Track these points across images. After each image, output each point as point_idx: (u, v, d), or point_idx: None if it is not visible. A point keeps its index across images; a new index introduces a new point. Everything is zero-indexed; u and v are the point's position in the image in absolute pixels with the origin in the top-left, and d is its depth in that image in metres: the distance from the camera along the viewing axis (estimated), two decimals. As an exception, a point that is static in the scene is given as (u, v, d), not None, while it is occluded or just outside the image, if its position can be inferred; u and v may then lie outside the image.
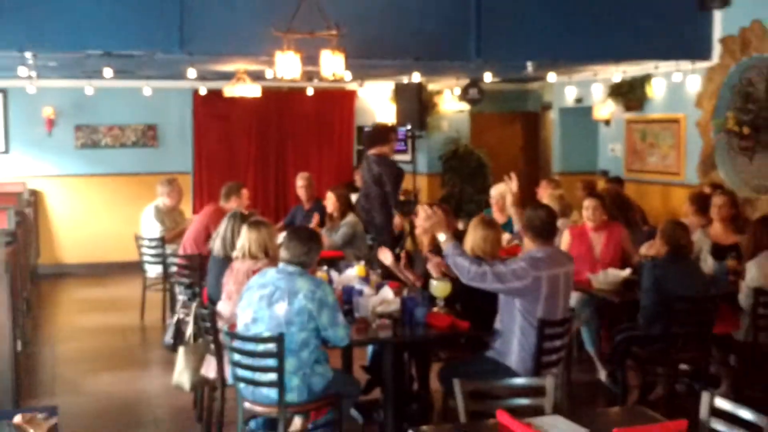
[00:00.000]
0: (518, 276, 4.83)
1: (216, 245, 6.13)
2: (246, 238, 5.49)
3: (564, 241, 6.93)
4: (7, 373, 5.74)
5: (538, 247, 5.04)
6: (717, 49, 9.06)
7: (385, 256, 6.13)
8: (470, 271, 4.83)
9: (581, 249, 6.77)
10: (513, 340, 4.96)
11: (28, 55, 7.83)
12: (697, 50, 9.13)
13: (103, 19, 7.46)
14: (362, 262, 6.52)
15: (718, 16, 9.03)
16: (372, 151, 8.77)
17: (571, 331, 5.45)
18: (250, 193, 11.14)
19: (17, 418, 3.04)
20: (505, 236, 7.10)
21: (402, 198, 11.54)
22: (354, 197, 9.29)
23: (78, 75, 10.84)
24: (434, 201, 6.04)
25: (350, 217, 8.12)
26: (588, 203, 6.94)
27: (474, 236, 5.60)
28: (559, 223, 7.33)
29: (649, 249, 6.64)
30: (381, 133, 8.93)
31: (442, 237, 4.96)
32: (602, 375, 6.68)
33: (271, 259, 5.46)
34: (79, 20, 7.39)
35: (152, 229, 9.06)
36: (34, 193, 11.71)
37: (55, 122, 11.93)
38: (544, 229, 5.09)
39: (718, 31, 9.05)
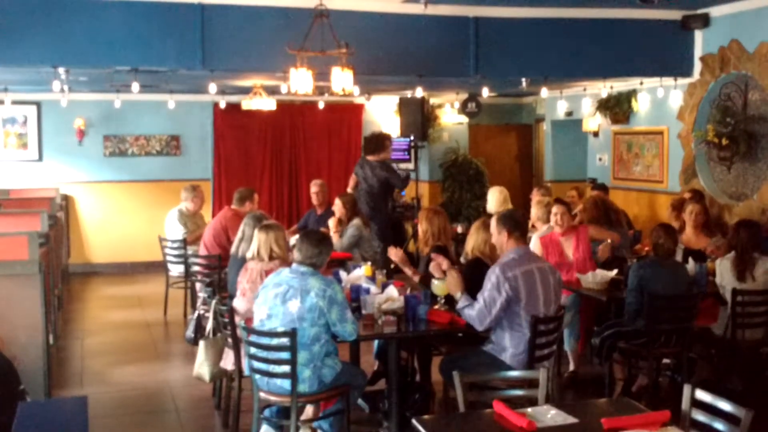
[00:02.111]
0: (498, 289, 4.77)
1: (242, 247, 6.09)
2: (257, 239, 5.57)
3: (535, 249, 6.68)
4: (39, 365, 5.73)
5: (511, 248, 4.98)
6: (698, 67, 9.05)
7: (394, 252, 6.15)
8: (472, 317, 4.87)
9: (555, 256, 6.68)
10: (505, 336, 4.92)
11: (61, 70, 7.86)
12: (680, 67, 9.12)
13: (132, 38, 7.48)
14: (369, 263, 6.52)
15: (699, 35, 9.01)
16: (372, 158, 8.89)
17: (561, 328, 5.42)
18: (265, 199, 11.17)
19: None
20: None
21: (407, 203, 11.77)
22: None
23: (107, 89, 10.86)
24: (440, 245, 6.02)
25: (356, 221, 8.09)
26: (556, 209, 6.80)
27: (476, 238, 5.59)
28: (545, 228, 7.29)
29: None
30: (382, 143, 9.13)
31: (458, 295, 4.99)
32: (572, 367, 6.65)
33: (283, 260, 5.47)
34: (109, 38, 7.40)
35: (175, 231, 9.06)
36: (66, 198, 11.73)
37: (85, 132, 11.95)
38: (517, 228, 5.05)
39: (699, 50, 9.03)
